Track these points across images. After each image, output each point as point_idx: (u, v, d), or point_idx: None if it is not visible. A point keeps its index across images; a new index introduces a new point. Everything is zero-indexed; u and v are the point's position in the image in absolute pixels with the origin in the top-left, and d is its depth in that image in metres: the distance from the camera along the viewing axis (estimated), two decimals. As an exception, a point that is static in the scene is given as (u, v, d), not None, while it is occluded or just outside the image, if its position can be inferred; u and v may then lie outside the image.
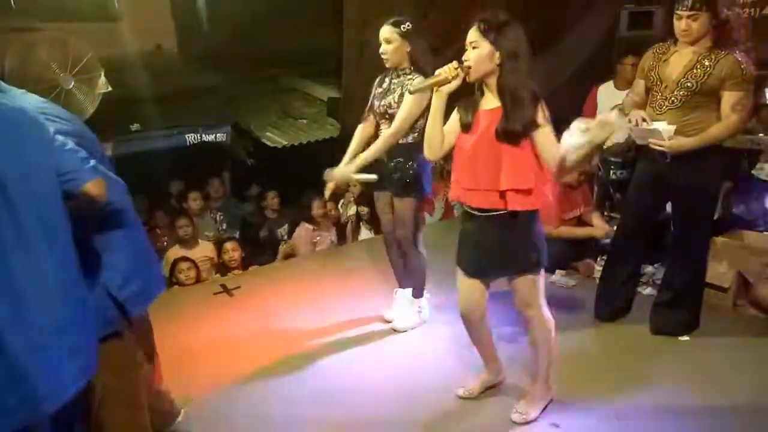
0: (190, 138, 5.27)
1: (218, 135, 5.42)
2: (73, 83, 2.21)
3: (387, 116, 2.89)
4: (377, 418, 2.51)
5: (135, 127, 4.98)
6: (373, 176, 2.87)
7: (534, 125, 2.03)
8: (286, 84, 6.78)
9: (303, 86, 6.68)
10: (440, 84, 2.09)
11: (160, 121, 5.13)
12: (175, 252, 4.52)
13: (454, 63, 2.06)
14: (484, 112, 2.11)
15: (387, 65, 2.86)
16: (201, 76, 6.06)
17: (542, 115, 2.05)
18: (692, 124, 2.71)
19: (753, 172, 4.02)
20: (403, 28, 2.77)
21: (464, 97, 2.16)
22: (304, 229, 4.95)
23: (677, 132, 2.71)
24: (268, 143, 5.64)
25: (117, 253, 1.74)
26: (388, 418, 2.50)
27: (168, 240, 4.84)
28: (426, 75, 2.71)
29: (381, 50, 2.83)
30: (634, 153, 3.41)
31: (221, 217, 5.30)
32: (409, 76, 2.83)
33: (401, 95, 2.82)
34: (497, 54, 2.01)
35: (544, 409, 2.42)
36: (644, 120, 2.76)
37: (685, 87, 2.70)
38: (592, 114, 4.39)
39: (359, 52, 4.90)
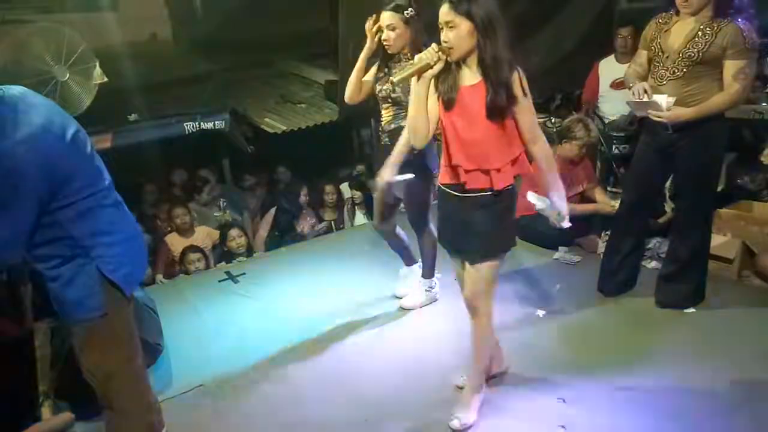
0: (189, 126, 5.23)
1: (217, 122, 5.37)
2: (68, 75, 2.20)
3: (390, 100, 2.87)
4: (385, 398, 2.53)
5: (133, 117, 4.94)
6: (411, 175, 2.83)
7: (514, 98, 1.99)
8: (283, 68, 6.72)
9: (300, 70, 6.62)
10: (423, 70, 2.00)
11: (157, 111, 5.09)
12: (175, 240, 4.53)
13: (434, 46, 1.98)
14: (465, 88, 2.03)
15: (390, 51, 2.80)
16: (197, 63, 6.02)
17: (519, 85, 1.99)
18: (694, 94, 2.68)
19: (762, 159, 3.98)
20: (406, 14, 2.71)
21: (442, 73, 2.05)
22: (272, 215, 4.93)
23: (679, 103, 2.68)
24: (266, 129, 5.60)
25: (108, 237, 1.78)
26: (396, 399, 2.52)
27: (169, 228, 4.87)
28: None
29: (383, 37, 2.78)
30: (636, 127, 3.39)
31: (225, 204, 5.30)
32: (411, 60, 2.78)
33: (402, 79, 2.78)
34: (475, 30, 1.94)
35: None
36: (645, 92, 2.73)
37: (687, 57, 2.66)
38: (595, 89, 4.36)
39: (355, 34, 4.85)
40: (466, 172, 2.08)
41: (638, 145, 3.07)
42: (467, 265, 2.23)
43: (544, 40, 5.33)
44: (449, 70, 2.04)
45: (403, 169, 2.87)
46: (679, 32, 2.70)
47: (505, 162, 2.06)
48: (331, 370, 2.78)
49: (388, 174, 2.76)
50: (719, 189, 3.35)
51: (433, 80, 2.04)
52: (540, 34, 5.34)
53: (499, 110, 1.99)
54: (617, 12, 4.91)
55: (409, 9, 2.72)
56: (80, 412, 1.75)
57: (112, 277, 1.75)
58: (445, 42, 1.97)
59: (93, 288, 1.74)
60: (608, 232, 3.48)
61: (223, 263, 4.40)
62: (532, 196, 2.27)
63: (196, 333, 3.22)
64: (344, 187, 5.47)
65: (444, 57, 1.98)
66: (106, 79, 3.44)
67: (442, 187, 2.21)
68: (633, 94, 2.77)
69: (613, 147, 4.07)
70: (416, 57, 2.03)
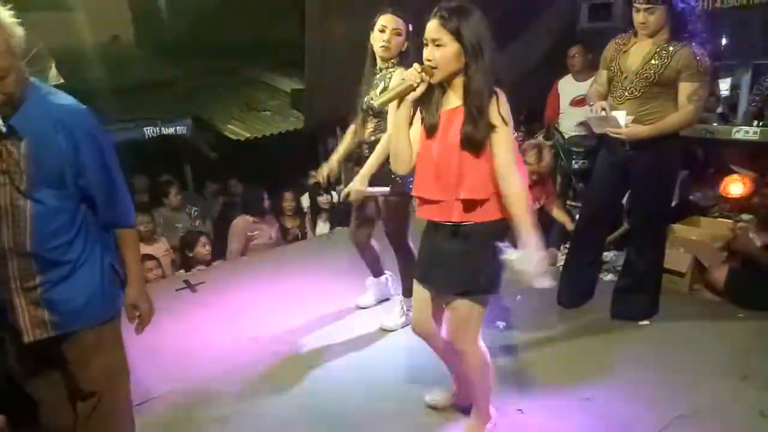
0: (149, 131, 5.14)
1: (178, 128, 5.30)
2: (22, 75, 2.11)
3: (371, 112, 2.82)
4: (346, 416, 2.48)
5: (91, 120, 4.82)
6: (386, 189, 2.76)
7: (491, 127, 1.82)
8: (249, 76, 6.67)
9: (266, 78, 6.59)
10: (405, 93, 1.86)
11: (117, 115, 4.98)
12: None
13: (417, 66, 1.83)
14: (445, 112, 1.89)
15: (385, 55, 2.72)
16: (160, 67, 5.91)
17: (497, 110, 1.81)
18: (651, 113, 2.78)
19: (720, 191, 4.07)
20: (411, 27, 2.68)
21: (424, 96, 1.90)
22: (242, 220, 4.80)
23: (636, 121, 2.77)
24: (230, 136, 5.54)
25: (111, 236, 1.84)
26: (361, 415, 2.47)
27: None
28: (407, 66, 2.67)
29: (385, 39, 2.68)
30: (595, 142, 3.48)
31: (196, 212, 5.19)
32: (392, 69, 2.73)
33: (383, 90, 2.70)
34: (463, 52, 1.80)
35: None
36: (604, 109, 2.81)
37: (643, 78, 2.76)
38: (556, 107, 4.46)
39: (322, 43, 4.85)
40: (436, 201, 1.92)
41: (597, 161, 3.15)
42: (445, 306, 2.05)
43: (510, 57, 5.44)
44: (431, 93, 1.89)
45: (376, 182, 2.81)
46: (637, 54, 2.79)
47: (482, 194, 1.87)
48: (293, 384, 2.71)
49: (359, 185, 2.72)
50: (673, 204, 3.46)
51: (414, 104, 1.91)
52: (506, 50, 5.45)
53: (475, 142, 1.82)
54: (578, 31, 5.04)
55: (410, 24, 2.70)
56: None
57: (118, 268, 1.80)
58: (429, 61, 1.82)
59: (110, 283, 1.77)
60: (567, 246, 3.55)
61: (182, 271, 4.30)
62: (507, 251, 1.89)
63: (150, 343, 3.12)
64: (304, 197, 5.44)
65: (427, 78, 1.83)
66: (62, 81, 3.33)
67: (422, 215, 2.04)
68: (592, 111, 2.85)
69: (573, 162, 4.17)
70: (393, 79, 1.89)
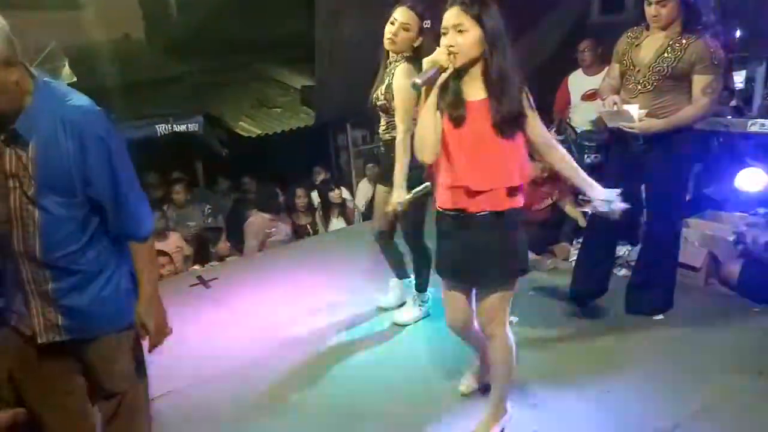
0: (161, 128, 5.16)
1: (190, 125, 5.32)
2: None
3: (378, 109, 2.78)
4: (362, 410, 2.48)
5: (104, 117, 4.86)
6: (426, 185, 2.57)
7: (523, 116, 1.90)
8: (260, 73, 6.68)
9: (277, 75, 6.60)
10: (438, 75, 1.83)
11: (129, 112, 5.01)
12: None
13: (444, 47, 1.84)
14: (472, 103, 1.89)
15: (387, 46, 2.67)
16: (171, 65, 5.94)
17: (527, 102, 1.91)
18: (664, 107, 2.75)
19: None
20: (425, 23, 2.62)
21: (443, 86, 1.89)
22: (259, 217, 4.81)
23: (649, 115, 2.75)
24: (241, 133, 5.56)
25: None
26: (375, 411, 2.47)
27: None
28: (410, 60, 2.63)
29: (391, 31, 2.63)
30: (608, 137, 3.45)
31: (209, 210, 5.22)
32: (397, 64, 2.68)
33: (388, 85, 2.68)
34: (484, 39, 1.82)
35: (502, 430, 2.27)
36: (616, 103, 2.79)
37: (656, 71, 2.73)
38: (566, 102, 4.44)
39: (332, 40, 4.85)
40: (476, 193, 1.92)
41: (610, 156, 3.12)
42: (479, 294, 2.10)
43: (520, 52, 5.41)
44: (449, 84, 1.89)
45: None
46: (650, 47, 2.77)
47: (517, 181, 1.94)
48: (308, 380, 2.72)
49: (400, 195, 2.59)
50: (687, 198, 3.43)
51: (442, 100, 1.90)
52: (516, 45, 5.42)
53: (508, 124, 1.87)
54: (588, 25, 5.01)
55: (428, 21, 2.62)
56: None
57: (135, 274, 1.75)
58: (451, 46, 1.82)
59: (130, 290, 1.73)
60: (579, 240, 3.53)
61: (196, 267, 4.34)
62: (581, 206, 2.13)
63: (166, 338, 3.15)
64: (313, 194, 5.46)
65: (448, 63, 1.83)
66: (75, 79, 3.37)
67: (443, 212, 2.02)
68: (604, 105, 2.83)
69: (585, 156, 4.14)
70: (425, 61, 1.86)
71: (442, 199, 2.01)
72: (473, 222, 1.96)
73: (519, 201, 1.98)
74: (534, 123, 1.96)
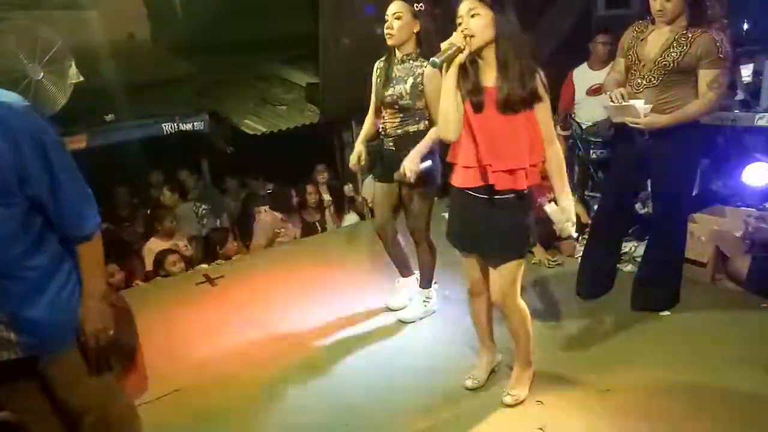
0: (167, 127, 5.17)
1: (196, 123, 5.32)
2: (42, 74, 2.15)
3: (397, 107, 2.80)
4: (366, 410, 2.49)
5: (109, 117, 4.87)
6: (429, 162, 2.75)
7: (536, 96, 2.02)
8: (264, 70, 6.68)
9: (281, 72, 6.59)
10: (454, 56, 1.99)
11: (135, 111, 5.02)
12: (156, 244, 4.47)
13: (459, 32, 1.99)
14: (490, 89, 2.05)
15: (389, 42, 2.73)
16: (176, 64, 5.95)
17: (542, 87, 2.03)
18: (670, 102, 2.73)
19: None
20: (416, 6, 2.68)
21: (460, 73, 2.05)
22: (270, 215, 4.80)
23: (655, 110, 2.73)
24: (247, 131, 5.57)
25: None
26: (379, 411, 2.49)
27: (146, 232, 4.80)
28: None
29: (386, 26, 2.70)
30: (614, 132, 3.44)
31: (204, 210, 5.22)
32: (417, 63, 2.73)
33: (414, 85, 2.72)
34: (495, 22, 1.97)
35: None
36: (622, 97, 2.77)
37: (662, 66, 2.71)
38: (571, 97, 4.41)
39: (336, 37, 4.86)
40: (495, 172, 2.08)
41: (615, 151, 3.11)
42: (491, 269, 2.24)
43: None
44: (467, 70, 2.04)
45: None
46: (655, 41, 2.75)
47: (533, 162, 2.09)
48: (312, 378, 2.74)
49: (414, 164, 2.67)
50: (694, 194, 3.41)
51: (460, 86, 2.05)
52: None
53: (510, 104, 2.01)
54: (594, 19, 4.97)
55: (420, 4, 2.68)
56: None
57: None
58: (466, 29, 1.96)
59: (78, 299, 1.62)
60: (585, 236, 3.52)
61: (204, 265, 4.35)
62: (546, 204, 2.23)
63: (172, 337, 3.17)
64: (323, 189, 5.47)
65: (465, 45, 1.98)
66: (81, 79, 3.38)
67: (462, 190, 2.20)
68: (611, 99, 2.81)
69: (591, 152, 4.12)
70: (443, 44, 2.00)
71: (461, 179, 2.18)
72: (490, 200, 2.13)
73: (534, 179, 2.12)
74: (541, 110, 2.06)
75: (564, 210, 2.15)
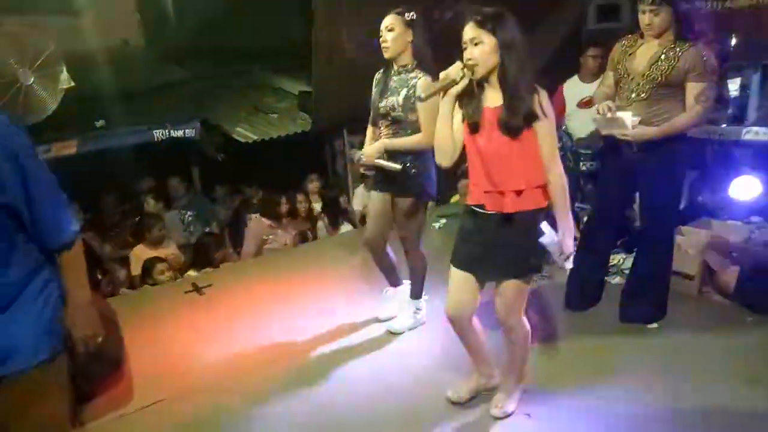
0: (158, 134, 5.16)
1: (187, 131, 5.32)
2: (33, 79, 2.13)
3: (390, 118, 2.80)
4: (352, 421, 2.48)
5: (100, 123, 4.86)
6: (397, 166, 2.75)
7: (533, 117, 2.01)
8: (257, 78, 6.70)
9: (274, 80, 6.61)
10: (448, 87, 2.02)
11: (126, 117, 5.01)
12: (143, 251, 4.44)
13: (459, 63, 2.01)
14: (489, 109, 2.06)
15: (386, 55, 2.75)
16: (169, 71, 5.95)
17: (540, 106, 2.02)
18: (658, 114, 2.77)
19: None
20: (408, 17, 2.70)
21: (465, 95, 2.08)
22: (259, 221, 4.77)
23: (644, 123, 2.76)
24: (238, 138, 5.56)
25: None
26: (365, 421, 2.47)
27: (134, 239, 4.77)
28: (429, 71, 2.68)
29: (381, 39, 2.73)
30: (602, 144, 3.46)
31: (190, 217, 5.19)
32: (412, 74, 2.74)
33: (407, 97, 2.72)
34: (498, 47, 1.98)
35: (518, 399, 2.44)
36: (609, 109, 2.80)
37: (650, 79, 2.75)
38: (561, 111, 4.45)
39: (329, 46, 4.87)
40: (485, 192, 2.10)
41: (603, 163, 3.13)
42: (497, 286, 2.22)
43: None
44: (473, 92, 2.06)
45: (403, 188, 2.83)
46: (644, 55, 2.78)
47: (526, 186, 2.06)
48: (299, 388, 2.71)
49: (375, 151, 2.74)
50: (681, 207, 3.43)
51: (458, 101, 2.07)
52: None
53: (511, 128, 2.01)
54: (585, 32, 5.02)
55: (411, 13, 2.70)
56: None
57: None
58: (470, 59, 1.98)
59: (58, 313, 1.57)
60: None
61: (192, 272, 4.33)
62: (544, 226, 2.13)
63: (157, 346, 3.15)
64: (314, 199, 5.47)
65: (468, 74, 1.99)
66: (73, 84, 3.37)
67: (469, 207, 2.20)
68: (598, 111, 2.84)
69: (581, 163, 4.15)
70: (441, 74, 2.04)
71: (471, 197, 2.19)
72: (497, 219, 2.12)
73: (540, 201, 2.10)
74: (543, 132, 2.05)
75: (562, 242, 2.09)
